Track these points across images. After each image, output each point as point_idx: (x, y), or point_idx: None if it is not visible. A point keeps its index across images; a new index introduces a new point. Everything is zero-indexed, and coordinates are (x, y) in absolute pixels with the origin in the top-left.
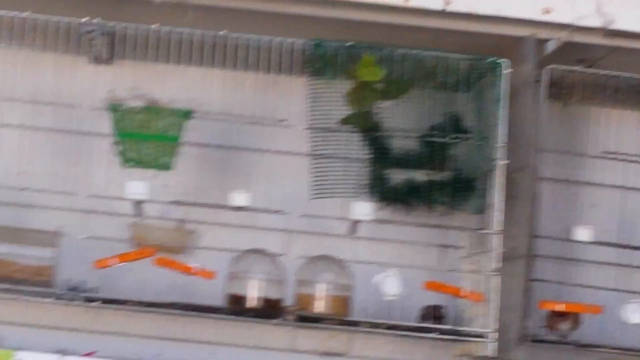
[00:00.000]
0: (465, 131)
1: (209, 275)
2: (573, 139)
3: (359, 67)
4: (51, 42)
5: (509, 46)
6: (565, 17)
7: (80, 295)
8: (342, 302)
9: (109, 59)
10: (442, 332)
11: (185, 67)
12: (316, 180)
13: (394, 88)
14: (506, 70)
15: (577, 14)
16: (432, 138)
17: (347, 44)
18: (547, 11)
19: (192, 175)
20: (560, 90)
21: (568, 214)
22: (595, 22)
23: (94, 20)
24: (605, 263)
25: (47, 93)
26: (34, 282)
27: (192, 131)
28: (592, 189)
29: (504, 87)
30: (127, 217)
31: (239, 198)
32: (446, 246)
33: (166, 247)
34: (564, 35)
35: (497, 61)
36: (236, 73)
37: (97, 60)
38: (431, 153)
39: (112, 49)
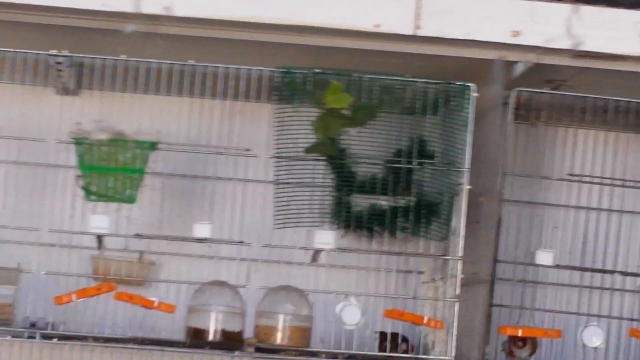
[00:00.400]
0: (430, 155)
1: (169, 309)
2: (539, 161)
3: (327, 94)
4: (18, 75)
5: (478, 68)
6: (534, 39)
7: (38, 332)
8: (302, 333)
9: (76, 90)
10: None
11: (153, 96)
12: (280, 209)
13: (360, 114)
14: (473, 94)
15: (546, 36)
16: (397, 164)
17: (315, 71)
18: (516, 34)
19: (155, 206)
20: (527, 112)
21: (531, 236)
22: (564, 43)
23: (62, 52)
24: (566, 285)
25: (13, 125)
26: None
27: (156, 161)
28: (556, 210)
29: (470, 111)
30: (89, 249)
31: (201, 230)
32: (408, 271)
33: (127, 280)
34: (533, 57)
35: (465, 85)
36: (203, 101)
37: (65, 91)
38: (396, 178)
39: (79, 80)
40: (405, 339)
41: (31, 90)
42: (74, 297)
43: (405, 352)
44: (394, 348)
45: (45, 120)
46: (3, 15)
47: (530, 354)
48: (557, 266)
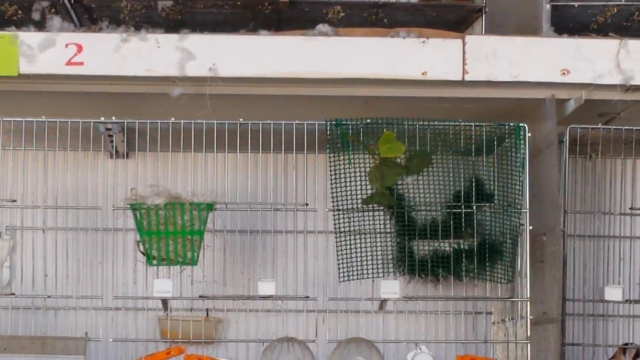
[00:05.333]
0: (488, 196)
1: None
2: (599, 193)
3: (380, 144)
4: (71, 142)
5: (528, 107)
6: (584, 77)
7: None
8: None
9: (128, 152)
10: None
11: (206, 153)
12: (343, 261)
13: (416, 162)
14: (527, 134)
15: (595, 72)
16: (456, 209)
17: (366, 121)
18: (565, 72)
19: (218, 265)
20: (583, 147)
21: (598, 270)
22: (614, 79)
23: (111, 119)
24: (638, 317)
25: (69, 190)
26: None
27: (215, 221)
28: (621, 242)
29: (524, 152)
30: (155, 311)
31: (265, 287)
32: (477, 313)
33: (195, 339)
34: (583, 94)
35: (518, 125)
36: (257, 155)
37: (117, 154)
38: (456, 221)
39: (131, 143)
40: None
41: (84, 155)
42: None
43: None
44: None
45: (100, 184)
46: (54, 86)
47: None
48: (627, 301)
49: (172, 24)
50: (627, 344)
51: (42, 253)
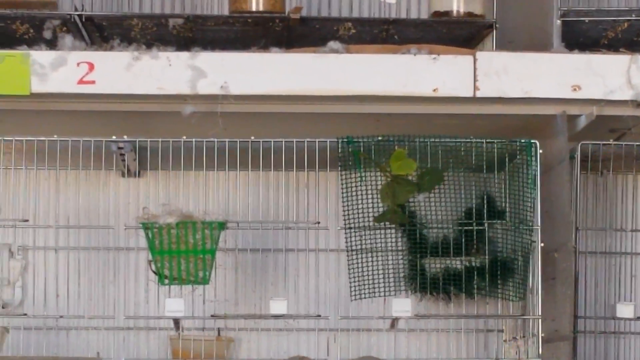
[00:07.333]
0: (500, 213)
1: None
2: (610, 210)
3: (392, 162)
4: (83, 161)
5: (539, 123)
6: (595, 92)
7: None
8: None
9: (140, 171)
10: None
11: (217, 172)
12: (355, 279)
13: (427, 180)
14: (538, 150)
15: (606, 88)
16: (468, 227)
17: (378, 139)
18: (576, 88)
19: (230, 284)
20: (594, 163)
21: (609, 287)
22: (625, 95)
23: (123, 138)
24: None
25: (81, 209)
26: None
27: (226, 240)
28: (633, 258)
29: (535, 168)
30: (167, 330)
31: (277, 306)
32: (488, 330)
33: (207, 359)
34: (594, 110)
35: (529, 142)
36: (269, 174)
37: (129, 173)
38: (468, 239)
39: (142, 162)
40: None
41: (96, 174)
42: None
43: None
44: None
45: (112, 203)
46: (66, 105)
47: None
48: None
49: (183, 42)
50: None
51: (54, 273)
